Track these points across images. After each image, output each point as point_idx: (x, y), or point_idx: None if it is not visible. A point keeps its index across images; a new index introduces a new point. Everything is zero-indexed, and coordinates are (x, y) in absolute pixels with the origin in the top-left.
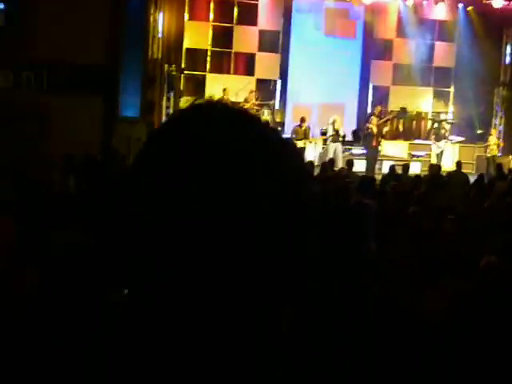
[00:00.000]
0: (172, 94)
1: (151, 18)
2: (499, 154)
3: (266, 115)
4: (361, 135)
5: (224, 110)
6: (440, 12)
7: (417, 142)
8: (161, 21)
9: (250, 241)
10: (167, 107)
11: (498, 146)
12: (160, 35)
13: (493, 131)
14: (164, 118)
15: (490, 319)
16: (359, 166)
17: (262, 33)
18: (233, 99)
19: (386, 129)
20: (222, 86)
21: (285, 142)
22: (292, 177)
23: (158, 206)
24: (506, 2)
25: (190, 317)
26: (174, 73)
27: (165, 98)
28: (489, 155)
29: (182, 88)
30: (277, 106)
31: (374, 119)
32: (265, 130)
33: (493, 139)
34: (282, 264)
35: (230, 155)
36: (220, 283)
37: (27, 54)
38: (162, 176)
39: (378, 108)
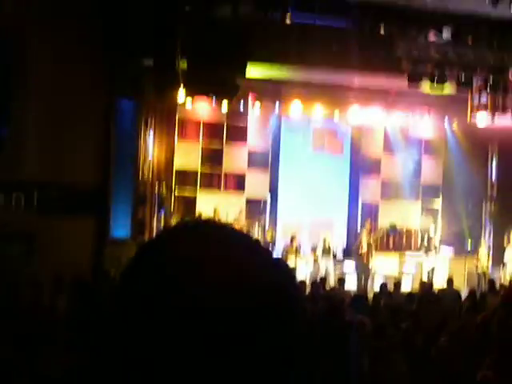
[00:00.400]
0: (163, 214)
1: (142, 140)
2: (490, 268)
3: (256, 234)
4: (352, 251)
5: (213, 228)
6: (426, 130)
7: (407, 257)
8: (151, 141)
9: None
10: (158, 227)
11: (488, 260)
12: (150, 156)
13: (482, 245)
14: None
15: None
16: (351, 283)
17: (251, 152)
18: (223, 218)
19: (376, 245)
20: (213, 206)
21: (276, 261)
22: (284, 297)
23: (144, 333)
24: (490, 121)
25: None
26: (164, 193)
27: (156, 218)
28: (479, 270)
29: (172, 208)
30: (267, 224)
31: (365, 236)
32: (256, 249)
33: (482, 254)
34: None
35: (218, 278)
36: None
37: (17, 174)
38: (147, 301)
39: (368, 224)
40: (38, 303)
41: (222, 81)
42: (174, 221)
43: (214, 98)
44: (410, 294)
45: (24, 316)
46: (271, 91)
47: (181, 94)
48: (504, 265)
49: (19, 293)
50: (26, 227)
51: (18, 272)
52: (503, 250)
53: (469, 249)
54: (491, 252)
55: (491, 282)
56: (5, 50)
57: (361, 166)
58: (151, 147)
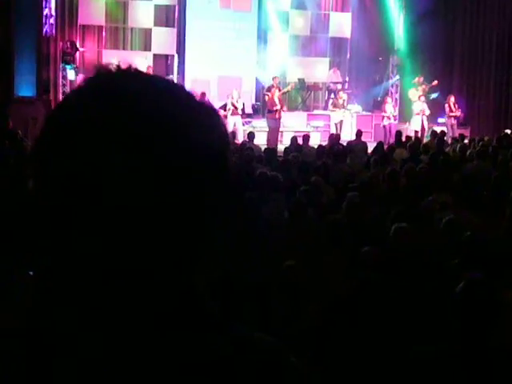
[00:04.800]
0: (68, 72)
1: None
2: (395, 122)
3: None
4: (261, 107)
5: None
6: None
7: (315, 112)
8: None
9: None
10: (63, 85)
11: (394, 113)
12: (54, 12)
13: (388, 99)
14: (61, 97)
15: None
16: (260, 139)
17: (157, 7)
18: None
19: (285, 100)
20: (119, 63)
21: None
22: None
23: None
24: None
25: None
26: (69, 50)
27: (61, 76)
28: (385, 123)
29: (77, 65)
30: (175, 81)
31: (276, 91)
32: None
33: (389, 107)
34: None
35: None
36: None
37: None
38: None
39: (277, 79)
40: None
41: None
42: (79, 78)
43: None
44: (319, 147)
45: None
46: None
47: None
48: (411, 118)
49: None
50: None
51: None
52: (410, 103)
53: (378, 100)
54: (397, 104)
55: (398, 134)
56: None
57: (269, 23)
58: (53, 2)
